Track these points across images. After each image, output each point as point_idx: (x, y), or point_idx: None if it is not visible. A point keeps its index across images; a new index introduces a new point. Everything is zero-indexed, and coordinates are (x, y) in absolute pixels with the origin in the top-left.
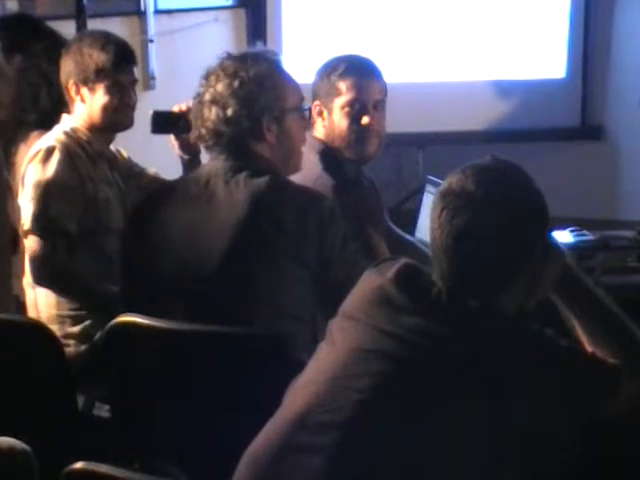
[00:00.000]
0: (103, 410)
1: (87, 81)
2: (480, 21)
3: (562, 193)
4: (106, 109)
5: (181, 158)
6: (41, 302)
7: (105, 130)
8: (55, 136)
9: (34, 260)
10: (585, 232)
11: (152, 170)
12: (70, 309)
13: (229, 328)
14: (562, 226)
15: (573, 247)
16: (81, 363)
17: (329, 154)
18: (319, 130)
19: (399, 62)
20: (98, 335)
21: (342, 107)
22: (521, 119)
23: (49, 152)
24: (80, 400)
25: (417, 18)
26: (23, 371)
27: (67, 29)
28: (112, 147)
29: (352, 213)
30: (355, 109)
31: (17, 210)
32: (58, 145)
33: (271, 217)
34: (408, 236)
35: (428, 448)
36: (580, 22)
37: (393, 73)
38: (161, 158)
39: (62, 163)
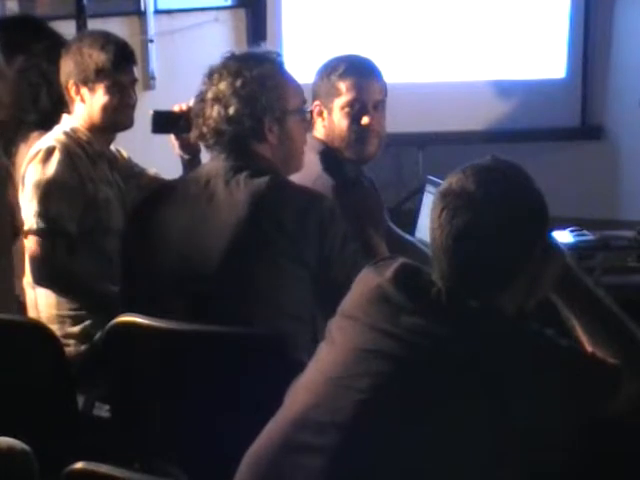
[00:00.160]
0: (103, 410)
1: (87, 81)
2: (480, 21)
3: (562, 193)
4: (106, 109)
5: (181, 158)
6: (41, 302)
7: (105, 130)
8: (55, 136)
9: (34, 260)
10: (585, 232)
11: (152, 170)
12: (70, 309)
13: (229, 328)
14: (562, 226)
15: (573, 247)
16: (81, 363)
17: (329, 154)
18: (319, 130)
19: (399, 62)
20: (98, 335)
21: (342, 107)
22: (521, 119)
23: (49, 152)
24: (80, 400)
25: (417, 18)
26: (23, 371)
27: (67, 29)
28: (112, 147)
29: (352, 213)
30: (355, 109)
31: (18, 202)
32: (58, 145)
33: (271, 217)
34: (408, 236)
35: (428, 448)
36: (580, 22)
37: (393, 73)
38: (161, 158)
39: (62, 163)
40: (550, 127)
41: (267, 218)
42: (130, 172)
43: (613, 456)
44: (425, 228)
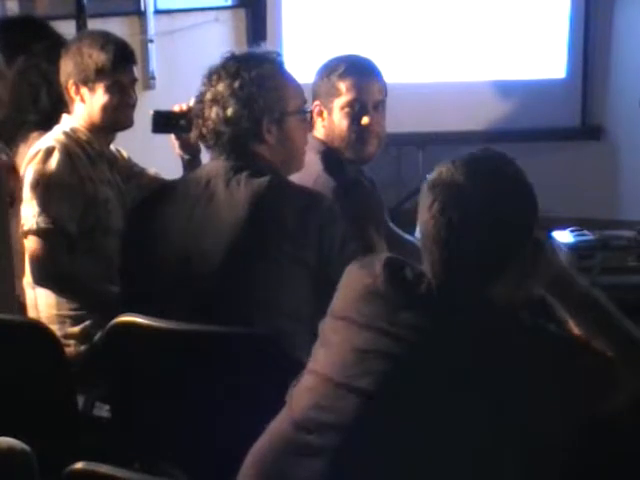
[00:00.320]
0: (103, 410)
1: (87, 81)
2: (480, 21)
3: (562, 193)
4: (106, 109)
5: (181, 158)
6: (41, 302)
7: (105, 130)
8: (55, 136)
9: (34, 260)
10: (585, 232)
11: (152, 170)
12: (70, 309)
13: (229, 328)
14: (562, 226)
15: (573, 247)
16: (81, 363)
17: (329, 154)
18: (319, 130)
19: (399, 62)
20: (98, 335)
21: (342, 107)
22: (521, 119)
23: (49, 152)
24: (80, 400)
25: (417, 18)
26: (23, 371)
27: (67, 29)
28: (112, 147)
29: (352, 213)
30: (355, 109)
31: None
32: (58, 145)
33: (271, 217)
34: (408, 236)
35: (430, 446)
36: (580, 22)
37: (393, 73)
38: (161, 158)
39: (62, 163)
40: (550, 127)
41: (267, 218)
42: (130, 172)
43: (613, 456)
44: None
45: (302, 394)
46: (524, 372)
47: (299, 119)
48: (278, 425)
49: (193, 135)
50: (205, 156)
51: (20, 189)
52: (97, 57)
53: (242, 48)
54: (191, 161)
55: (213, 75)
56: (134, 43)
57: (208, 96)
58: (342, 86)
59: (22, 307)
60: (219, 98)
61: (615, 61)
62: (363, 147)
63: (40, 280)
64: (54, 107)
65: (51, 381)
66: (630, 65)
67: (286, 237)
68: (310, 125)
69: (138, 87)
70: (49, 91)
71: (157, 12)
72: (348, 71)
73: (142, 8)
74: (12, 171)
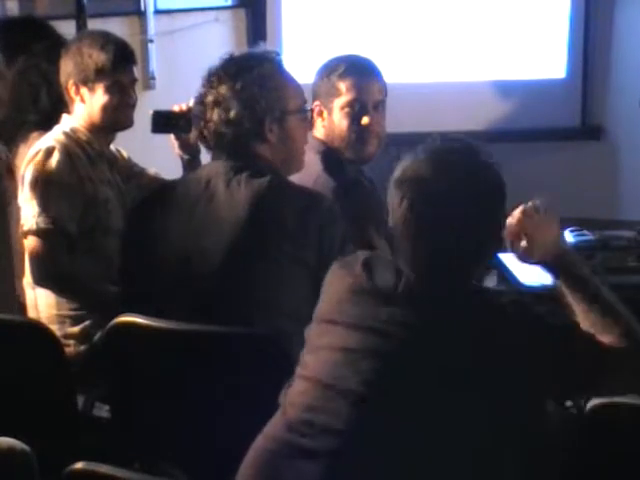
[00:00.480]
0: (103, 410)
1: (87, 81)
2: (480, 21)
3: (562, 193)
4: (106, 109)
5: (181, 158)
6: (41, 302)
7: (105, 130)
8: (54, 136)
9: (34, 260)
10: (585, 232)
11: (152, 170)
12: (70, 309)
13: (229, 328)
14: (562, 226)
15: (573, 247)
16: (81, 363)
17: (329, 154)
18: (319, 130)
19: (399, 62)
20: (98, 335)
21: (342, 107)
22: (521, 119)
23: (48, 152)
24: (80, 400)
25: (417, 18)
26: (23, 371)
27: (67, 29)
28: (112, 147)
29: (352, 213)
30: (355, 109)
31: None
32: (57, 145)
33: (271, 217)
34: None
35: (426, 441)
36: (580, 22)
37: (393, 73)
38: (161, 158)
39: (61, 163)
40: (550, 127)
41: (267, 218)
42: (130, 172)
43: (613, 456)
44: None
45: (294, 397)
46: (519, 361)
47: (300, 118)
48: (272, 427)
49: (192, 136)
50: (205, 156)
51: (15, 189)
52: (97, 57)
53: (242, 48)
54: (191, 161)
55: (213, 77)
56: (134, 43)
57: (209, 98)
58: (342, 86)
59: (22, 307)
60: (221, 100)
61: (615, 61)
62: (363, 147)
63: (40, 280)
64: (54, 107)
65: (51, 381)
66: (630, 65)
67: (286, 237)
68: (310, 124)
69: (138, 87)
70: (49, 91)
71: (157, 12)
72: (348, 71)
73: (142, 8)
74: (9, 171)
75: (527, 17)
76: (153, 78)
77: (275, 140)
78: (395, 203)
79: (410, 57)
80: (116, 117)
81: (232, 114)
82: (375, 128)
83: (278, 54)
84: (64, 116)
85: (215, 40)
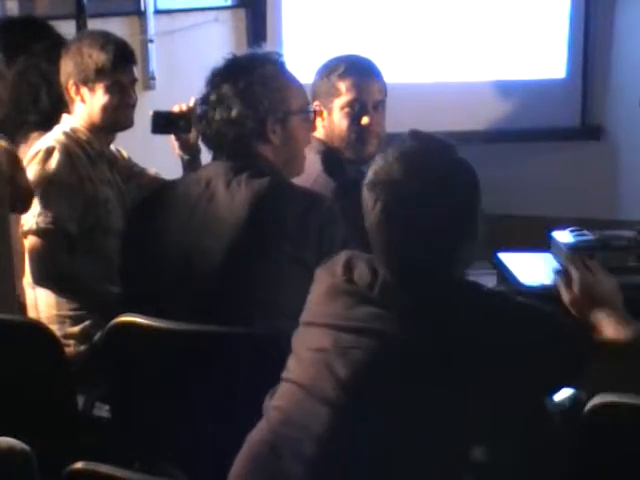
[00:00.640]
0: (103, 410)
1: (87, 81)
2: (480, 21)
3: (562, 193)
4: (106, 109)
5: (181, 158)
6: (41, 302)
7: (105, 130)
8: (55, 136)
9: (34, 260)
10: (585, 232)
11: (152, 170)
12: (70, 309)
13: (229, 328)
14: (562, 226)
15: (573, 247)
16: (81, 363)
17: (329, 154)
18: (319, 130)
19: (399, 62)
20: (98, 335)
21: (342, 107)
22: (521, 119)
23: (48, 152)
24: (80, 400)
25: (417, 18)
26: (23, 371)
27: (67, 29)
28: (112, 147)
29: (353, 213)
30: (355, 109)
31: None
32: (57, 146)
33: (272, 217)
34: None
35: (403, 442)
36: (580, 22)
37: (393, 73)
38: (161, 158)
39: (61, 163)
40: (550, 127)
41: (267, 218)
42: (130, 172)
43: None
44: None
45: (277, 400)
46: (499, 358)
47: (302, 119)
48: (257, 432)
49: (193, 136)
50: (205, 156)
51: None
52: (97, 57)
53: (242, 48)
54: (191, 161)
55: (216, 77)
56: (134, 43)
57: (212, 98)
58: (342, 86)
59: (22, 307)
60: (223, 100)
61: (615, 61)
62: (363, 147)
63: (40, 280)
64: (54, 107)
65: (51, 381)
66: (630, 65)
67: (286, 237)
68: (313, 125)
69: (138, 87)
70: (49, 91)
71: (157, 12)
72: (348, 71)
73: (142, 8)
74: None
75: (527, 17)
76: (153, 78)
77: (277, 141)
78: (369, 205)
79: (410, 57)
80: (116, 117)
81: (234, 113)
82: (375, 128)
83: (281, 55)
84: (64, 116)
85: (215, 40)
